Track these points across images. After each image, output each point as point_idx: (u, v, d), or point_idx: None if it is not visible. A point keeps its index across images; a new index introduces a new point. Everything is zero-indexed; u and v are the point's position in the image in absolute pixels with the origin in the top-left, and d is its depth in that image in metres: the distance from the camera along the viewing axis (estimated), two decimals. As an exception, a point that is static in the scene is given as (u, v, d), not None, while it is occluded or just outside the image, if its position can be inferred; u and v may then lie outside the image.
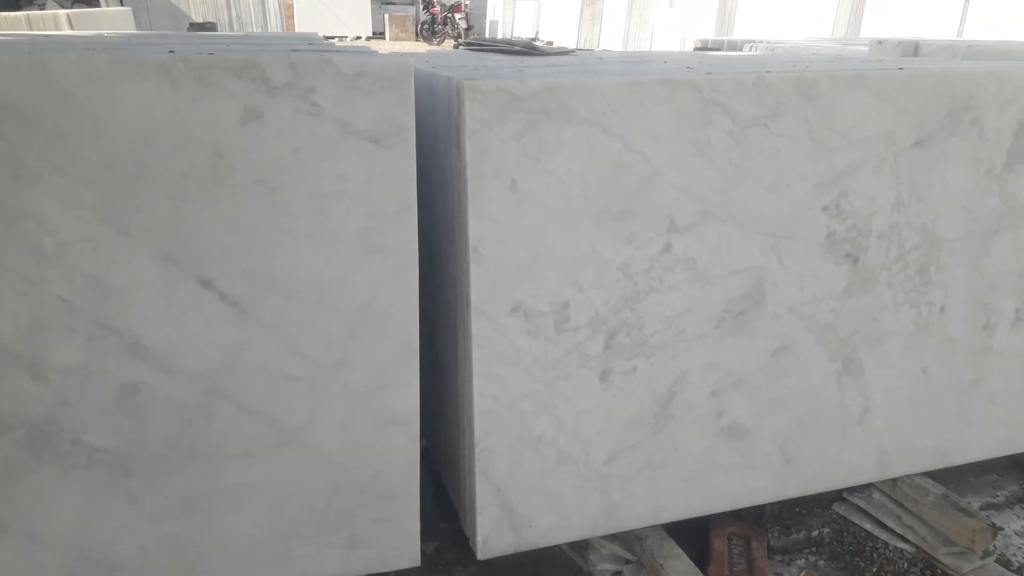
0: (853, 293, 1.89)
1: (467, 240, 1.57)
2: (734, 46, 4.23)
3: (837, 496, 2.18)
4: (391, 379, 1.59)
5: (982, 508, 2.24)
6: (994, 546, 2.05)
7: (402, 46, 21.09)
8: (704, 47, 4.52)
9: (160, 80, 1.35)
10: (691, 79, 1.65)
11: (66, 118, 1.32)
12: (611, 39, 18.15)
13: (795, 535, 2.09)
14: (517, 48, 2.39)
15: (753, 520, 2.13)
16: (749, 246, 1.78)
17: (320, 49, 1.78)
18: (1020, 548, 2.09)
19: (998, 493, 2.31)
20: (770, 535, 2.08)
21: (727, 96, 1.67)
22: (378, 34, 23.77)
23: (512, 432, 1.70)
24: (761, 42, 4.01)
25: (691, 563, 1.77)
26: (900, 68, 1.85)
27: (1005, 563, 2.03)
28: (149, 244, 1.41)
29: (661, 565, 1.75)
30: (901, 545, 2.04)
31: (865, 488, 2.16)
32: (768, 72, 1.70)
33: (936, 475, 2.17)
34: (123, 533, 1.51)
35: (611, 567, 1.91)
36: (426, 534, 1.86)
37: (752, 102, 1.69)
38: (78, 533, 1.49)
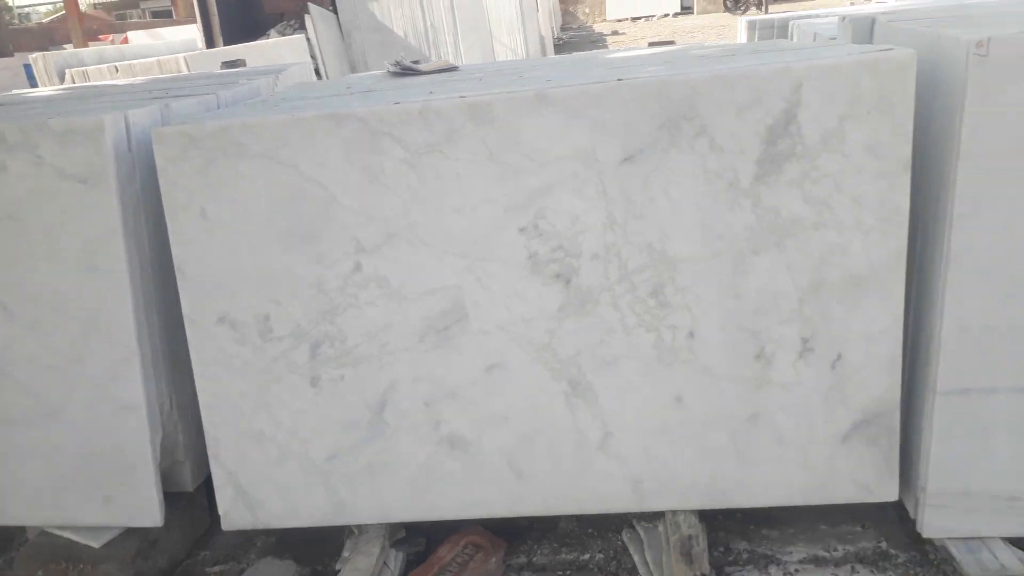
0: (570, 314, 1.84)
1: (173, 260, 1.89)
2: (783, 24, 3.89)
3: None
4: (120, 373, 1.95)
5: (801, 561, 1.99)
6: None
7: (704, 20, 21.19)
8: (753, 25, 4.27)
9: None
10: (355, 112, 1.77)
11: None
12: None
13: (565, 555, 2.07)
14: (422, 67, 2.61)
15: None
16: (441, 267, 1.84)
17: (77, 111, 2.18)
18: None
19: (838, 547, 2.02)
20: (538, 551, 2.09)
21: (393, 126, 1.76)
22: (686, 10, 23.82)
23: (233, 425, 1.97)
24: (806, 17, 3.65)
25: (371, 563, 1.89)
26: (619, 79, 1.76)
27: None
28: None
29: (346, 559, 1.90)
30: (656, 584, 1.93)
31: (656, 517, 2.05)
32: (431, 95, 1.76)
33: (780, 514, 2.02)
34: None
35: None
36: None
37: (421, 129, 1.76)
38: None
